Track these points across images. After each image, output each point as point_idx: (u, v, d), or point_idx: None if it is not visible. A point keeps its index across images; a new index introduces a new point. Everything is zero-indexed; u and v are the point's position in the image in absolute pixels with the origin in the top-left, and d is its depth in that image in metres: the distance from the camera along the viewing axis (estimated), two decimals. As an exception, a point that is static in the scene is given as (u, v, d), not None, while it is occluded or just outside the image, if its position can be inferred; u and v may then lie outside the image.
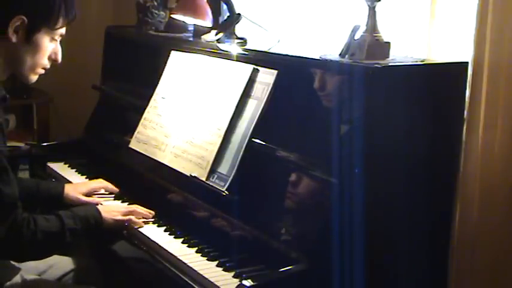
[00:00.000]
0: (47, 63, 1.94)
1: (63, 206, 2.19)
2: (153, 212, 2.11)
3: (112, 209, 2.10)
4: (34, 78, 1.95)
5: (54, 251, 2.01)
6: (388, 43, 1.84)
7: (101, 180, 2.38)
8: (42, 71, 1.95)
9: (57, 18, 1.89)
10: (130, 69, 2.81)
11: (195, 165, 2.09)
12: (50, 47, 1.92)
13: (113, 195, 2.34)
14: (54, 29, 1.90)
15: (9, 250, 1.83)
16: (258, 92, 2.01)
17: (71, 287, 2.17)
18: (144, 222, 2.07)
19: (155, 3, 2.79)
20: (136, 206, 2.12)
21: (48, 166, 2.69)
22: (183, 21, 2.58)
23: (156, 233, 2.02)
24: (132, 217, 2.05)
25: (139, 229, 2.04)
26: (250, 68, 2.06)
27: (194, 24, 2.59)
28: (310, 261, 1.67)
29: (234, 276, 1.74)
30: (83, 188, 2.31)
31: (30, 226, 1.80)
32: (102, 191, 2.35)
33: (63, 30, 1.94)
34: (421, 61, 1.92)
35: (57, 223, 1.87)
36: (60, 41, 1.98)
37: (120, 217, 2.04)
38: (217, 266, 1.80)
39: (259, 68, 2.05)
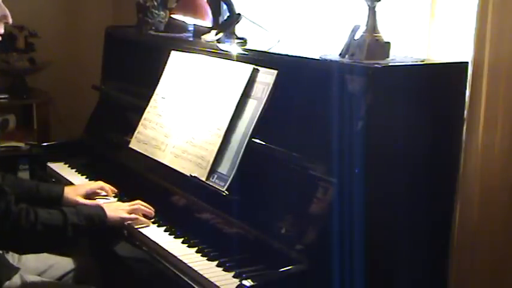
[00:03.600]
0: None
1: None
2: (153, 210, 2.11)
3: (117, 207, 2.10)
4: None
5: (56, 245, 2.00)
6: (388, 43, 1.84)
7: (100, 182, 2.36)
8: None
9: None
10: (130, 69, 2.81)
11: (195, 165, 2.09)
12: None
13: (113, 195, 2.34)
14: None
15: (7, 240, 1.83)
16: (258, 92, 2.01)
17: (71, 287, 2.17)
18: (147, 222, 2.08)
19: (155, 3, 2.79)
20: (139, 201, 2.12)
21: (48, 166, 2.69)
22: (183, 21, 2.58)
23: (156, 233, 2.02)
24: (138, 216, 2.06)
25: (140, 229, 2.04)
26: (250, 68, 2.06)
27: (194, 24, 2.59)
28: (310, 261, 1.67)
29: (234, 276, 1.74)
30: (82, 190, 2.30)
31: (29, 217, 1.80)
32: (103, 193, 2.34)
33: None
34: (421, 61, 1.91)
35: (59, 217, 1.88)
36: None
37: (125, 215, 2.04)
38: (217, 266, 1.80)
39: (259, 68, 2.05)
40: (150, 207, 2.11)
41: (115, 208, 2.07)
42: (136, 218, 2.05)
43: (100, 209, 2.01)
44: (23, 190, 2.20)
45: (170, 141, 2.26)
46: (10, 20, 1.88)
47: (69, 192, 2.27)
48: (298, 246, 1.72)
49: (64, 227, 1.87)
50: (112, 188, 2.34)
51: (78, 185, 2.41)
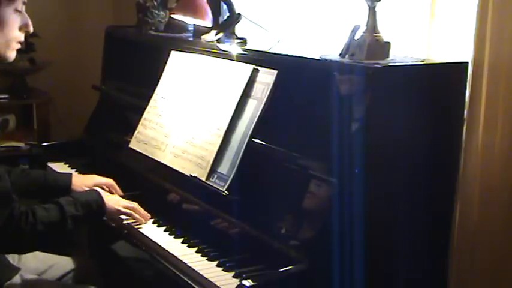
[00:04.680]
0: (19, 36, 1.88)
1: None
2: (149, 216, 2.11)
3: (114, 198, 2.10)
4: (12, 54, 1.88)
5: (58, 238, 2.00)
6: (388, 43, 1.84)
7: (110, 180, 2.34)
8: (18, 45, 1.89)
9: None
10: (130, 69, 2.81)
11: (195, 165, 2.09)
12: (16, 18, 1.86)
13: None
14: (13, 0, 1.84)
15: (9, 244, 1.83)
16: (258, 92, 2.01)
17: (71, 287, 2.17)
18: (142, 223, 2.07)
19: (155, 3, 2.79)
20: (136, 204, 2.12)
21: (48, 166, 2.69)
22: (183, 21, 2.58)
23: (156, 233, 2.02)
24: (133, 213, 2.05)
25: (139, 229, 2.04)
26: (250, 68, 2.06)
27: (194, 24, 2.59)
28: (310, 261, 1.67)
29: (234, 276, 1.74)
30: (90, 181, 2.31)
31: (28, 219, 1.80)
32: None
33: None
34: (421, 61, 1.91)
35: (57, 212, 1.87)
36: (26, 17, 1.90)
37: (122, 208, 2.04)
38: (217, 266, 1.80)
39: (259, 68, 2.05)
40: (146, 213, 2.10)
41: (113, 199, 2.07)
42: (131, 214, 2.05)
43: (97, 194, 2.01)
44: (30, 181, 2.21)
45: (170, 141, 2.26)
46: (31, 29, 1.89)
47: (77, 181, 2.28)
48: (298, 246, 1.72)
49: (63, 221, 1.87)
50: (118, 190, 2.34)
51: (87, 176, 2.41)
